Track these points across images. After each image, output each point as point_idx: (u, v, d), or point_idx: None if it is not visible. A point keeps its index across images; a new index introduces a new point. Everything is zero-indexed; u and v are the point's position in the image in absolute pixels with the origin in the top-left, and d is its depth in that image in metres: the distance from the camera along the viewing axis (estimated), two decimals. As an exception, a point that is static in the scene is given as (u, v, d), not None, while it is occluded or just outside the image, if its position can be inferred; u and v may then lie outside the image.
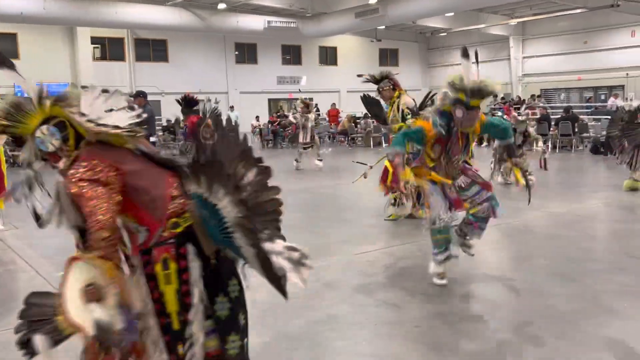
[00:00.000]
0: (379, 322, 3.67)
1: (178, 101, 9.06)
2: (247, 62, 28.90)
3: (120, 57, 25.85)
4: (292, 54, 29.95)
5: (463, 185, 4.25)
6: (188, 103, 8.86)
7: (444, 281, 4.33)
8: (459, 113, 3.93)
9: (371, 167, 6.61)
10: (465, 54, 4.14)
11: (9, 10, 18.01)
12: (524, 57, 29.87)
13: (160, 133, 19.85)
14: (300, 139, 12.24)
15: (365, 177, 6.54)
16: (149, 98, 10.45)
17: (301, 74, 29.71)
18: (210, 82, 27.38)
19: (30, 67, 22.27)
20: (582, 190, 9.01)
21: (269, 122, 22.62)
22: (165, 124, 22.26)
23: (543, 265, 4.87)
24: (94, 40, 24.54)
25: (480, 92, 3.86)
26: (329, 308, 3.92)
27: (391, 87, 6.60)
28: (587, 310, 3.78)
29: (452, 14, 25.18)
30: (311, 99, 13.75)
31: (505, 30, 29.09)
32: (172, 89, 25.98)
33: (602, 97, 25.67)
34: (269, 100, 29.23)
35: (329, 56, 30.47)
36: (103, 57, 25.45)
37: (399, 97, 6.51)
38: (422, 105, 6.03)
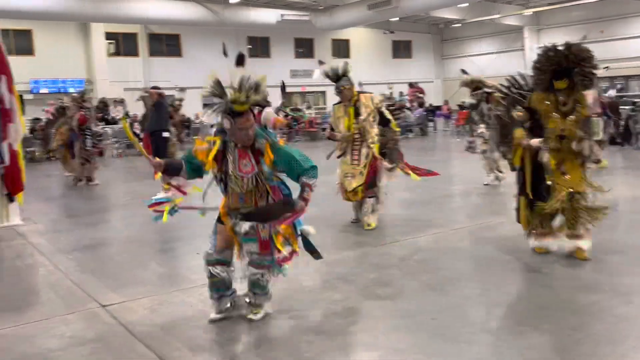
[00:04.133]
0: (396, 315, 3.67)
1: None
2: (260, 55, 28.89)
3: (134, 53, 25.96)
4: (305, 47, 29.88)
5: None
6: None
7: (217, 316, 3.63)
8: (226, 124, 3.35)
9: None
10: (224, 52, 3.93)
11: (24, 6, 18.16)
12: (539, 47, 29.46)
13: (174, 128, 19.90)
14: None
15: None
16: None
17: (314, 67, 29.56)
18: (223, 76, 27.36)
19: (45, 63, 22.64)
20: None
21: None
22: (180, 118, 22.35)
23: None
24: (108, 35, 24.66)
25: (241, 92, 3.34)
26: (346, 301, 3.93)
27: (352, 85, 5.89)
28: None
29: (466, 4, 24.95)
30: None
31: (520, 21, 28.78)
32: (186, 83, 26.07)
33: (619, 86, 25.31)
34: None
35: (341, 49, 30.32)
36: (117, 53, 25.55)
37: (357, 98, 5.88)
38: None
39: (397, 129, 6.23)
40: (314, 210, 6.53)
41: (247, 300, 3.65)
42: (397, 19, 27.05)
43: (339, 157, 6.10)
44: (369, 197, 5.96)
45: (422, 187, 7.77)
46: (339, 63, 6.03)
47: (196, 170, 3.53)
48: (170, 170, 3.52)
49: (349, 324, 3.56)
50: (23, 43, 22.04)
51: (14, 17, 17.76)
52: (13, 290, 4.56)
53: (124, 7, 20.88)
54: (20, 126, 7.05)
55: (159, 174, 3.54)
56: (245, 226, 3.45)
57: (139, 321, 3.66)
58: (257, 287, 3.57)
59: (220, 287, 3.58)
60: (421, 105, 21.83)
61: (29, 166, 7.25)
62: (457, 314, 3.63)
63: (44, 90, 22.86)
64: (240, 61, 3.78)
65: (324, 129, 14.22)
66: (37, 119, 17.29)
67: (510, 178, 7.85)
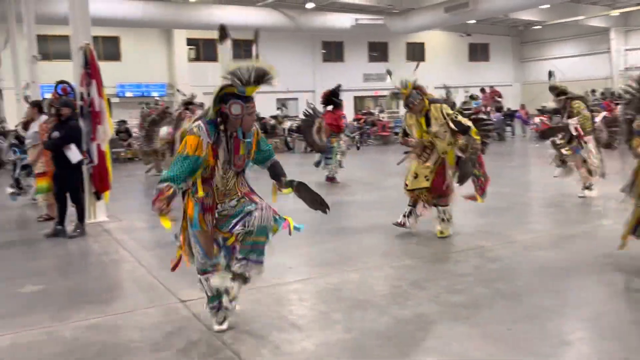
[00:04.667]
0: (469, 323, 3.59)
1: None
2: (334, 60, 29.09)
3: (213, 58, 26.74)
4: (378, 51, 29.81)
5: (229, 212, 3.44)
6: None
7: (223, 327, 3.54)
8: (236, 110, 3.30)
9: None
10: (223, 34, 3.80)
11: (112, 15, 19.18)
12: (627, 50, 28.00)
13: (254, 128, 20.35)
14: None
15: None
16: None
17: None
18: (298, 80, 27.81)
19: (130, 68, 23.80)
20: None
21: (354, 119, 22.66)
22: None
23: None
24: (190, 41, 25.62)
25: (258, 75, 3.30)
26: (417, 307, 3.89)
27: (421, 98, 5.69)
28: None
29: (547, 5, 24.03)
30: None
31: (606, 22, 27.40)
32: (262, 88, 26.61)
33: None
34: (355, 97, 29.25)
35: (416, 52, 29.99)
36: (197, 58, 26.48)
37: (428, 108, 5.68)
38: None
39: (477, 137, 5.72)
40: (383, 214, 6.54)
41: (237, 271, 3.43)
42: (474, 21, 26.47)
43: (405, 152, 6.09)
44: (442, 206, 5.84)
45: (499, 194, 7.57)
46: (408, 73, 5.90)
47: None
48: None
49: (419, 330, 3.52)
50: (111, 49, 23.31)
51: (103, 24, 18.76)
52: (100, 283, 4.83)
53: (205, 14, 21.64)
54: (108, 128, 7.46)
55: None
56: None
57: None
58: (255, 253, 3.42)
59: (220, 294, 3.49)
60: (499, 109, 21.24)
61: (113, 166, 7.65)
62: (534, 325, 3.51)
63: (129, 94, 24.04)
64: (222, 36, 3.86)
65: (396, 133, 14.11)
66: (122, 121, 18.18)
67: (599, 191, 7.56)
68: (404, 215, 6.00)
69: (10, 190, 8.46)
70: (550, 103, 8.38)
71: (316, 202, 3.66)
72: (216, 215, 3.42)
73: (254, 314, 3.83)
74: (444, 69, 27.19)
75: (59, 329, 3.69)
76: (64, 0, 8.42)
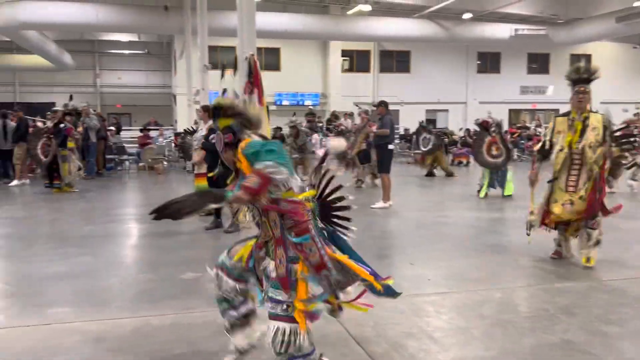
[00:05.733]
0: (622, 356, 3.31)
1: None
2: (489, 71, 28.19)
3: (365, 69, 27.37)
4: (538, 63, 28.33)
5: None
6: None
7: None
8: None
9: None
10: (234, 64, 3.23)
11: (275, 27, 20.40)
12: None
13: (398, 141, 20.43)
14: None
15: None
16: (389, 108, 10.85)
17: (548, 84, 27.91)
18: (449, 92, 27.41)
19: (288, 78, 25.13)
20: None
21: (506, 132, 21.70)
22: (402, 132, 22.93)
23: None
24: (344, 53, 26.42)
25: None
26: (564, 333, 3.66)
27: (590, 96, 5.10)
28: None
29: None
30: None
31: None
32: (412, 98, 26.68)
33: None
34: (510, 110, 28.07)
35: (581, 65, 28.08)
36: (350, 69, 27.21)
37: (588, 115, 5.14)
38: None
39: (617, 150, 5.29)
40: (533, 233, 6.21)
41: None
42: (651, 31, 24.13)
43: (549, 181, 5.39)
44: (590, 229, 5.23)
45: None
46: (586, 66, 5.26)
47: None
48: None
49: (566, 357, 3.31)
50: (272, 60, 24.82)
51: (267, 36, 20.05)
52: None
53: (361, 26, 22.20)
54: (265, 134, 7.96)
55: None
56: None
57: (353, 319, 3.87)
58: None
59: None
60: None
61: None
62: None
63: (285, 103, 25.36)
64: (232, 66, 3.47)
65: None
66: (278, 128, 19.19)
67: None
68: (559, 245, 5.55)
69: None
70: None
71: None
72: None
73: (392, 320, 3.87)
74: (613, 83, 25.08)
75: (213, 314, 4.03)
76: (233, 14, 9.16)
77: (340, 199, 2.87)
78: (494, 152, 10.23)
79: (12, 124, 12.53)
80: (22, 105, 18.44)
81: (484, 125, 10.86)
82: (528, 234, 5.48)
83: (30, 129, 12.67)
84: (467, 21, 22.98)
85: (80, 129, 12.85)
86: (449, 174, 14.10)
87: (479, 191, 10.29)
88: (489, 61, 28.29)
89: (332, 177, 2.82)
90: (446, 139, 17.57)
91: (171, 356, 3.31)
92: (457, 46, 26.64)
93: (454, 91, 27.61)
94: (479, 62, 28.27)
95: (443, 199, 10.75)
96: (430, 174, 14.11)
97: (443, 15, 22.88)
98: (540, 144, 5.50)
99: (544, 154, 5.40)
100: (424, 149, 14.15)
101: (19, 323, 3.87)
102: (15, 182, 12.15)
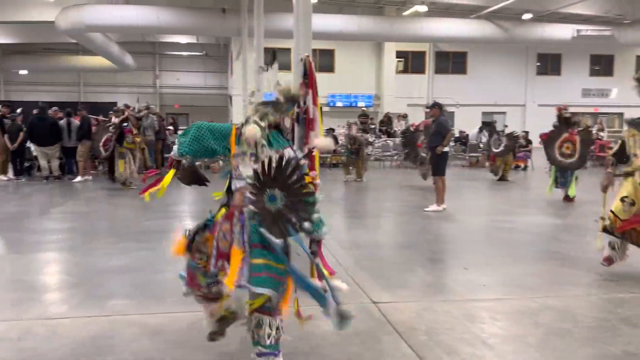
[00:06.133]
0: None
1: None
2: (550, 73, 27.39)
3: (420, 70, 27.10)
4: (602, 64, 27.32)
5: None
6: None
7: None
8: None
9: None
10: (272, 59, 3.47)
11: (330, 28, 20.45)
12: None
13: (453, 144, 20.07)
14: None
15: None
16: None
17: (611, 86, 26.86)
18: (507, 94, 26.81)
19: (341, 80, 25.18)
20: None
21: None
22: (457, 135, 22.51)
23: None
24: (399, 54, 26.23)
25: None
26: (627, 345, 3.51)
27: None
28: None
29: None
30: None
31: None
32: (467, 100, 26.24)
33: None
34: (571, 114, 27.17)
35: (649, 66, 26.90)
36: (405, 70, 27.00)
37: None
38: None
39: None
40: (571, 242, 5.98)
41: None
42: None
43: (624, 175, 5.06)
44: None
45: None
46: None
47: None
48: None
49: (629, 371, 3.18)
50: (326, 61, 24.91)
51: (322, 38, 20.12)
52: (301, 275, 5.21)
53: (417, 27, 21.96)
54: (319, 134, 7.99)
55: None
56: None
57: (405, 322, 3.85)
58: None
59: None
60: None
61: (319, 170, 8.22)
62: None
63: (338, 104, 25.42)
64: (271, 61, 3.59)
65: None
66: (330, 129, 19.25)
67: None
68: (612, 248, 5.14)
69: None
70: None
71: None
72: None
73: (446, 325, 3.81)
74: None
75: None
76: (289, 16, 9.25)
77: (303, 186, 2.80)
78: (565, 151, 9.73)
79: (76, 122, 13.06)
80: (86, 105, 19.25)
81: (566, 118, 10.09)
82: (598, 243, 5.22)
83: (93, 127, 13.18)
84: (527, 22, 22.39)
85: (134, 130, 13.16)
86: (504, 179, 13.74)
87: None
88: (549, 63, 27.49)
89: (297, 166, 2.78)
90: (522, 141, 16.98)
91: (226, 352, 3.37)
92: (516, 47, 25.99)
93: (512, 93, 26.97)
94: (538, 63, 27.50)
95: (500, 203, 10.50)
96: (502, 179, 13.54)
97: (502, 15, 22.37)
98: (615, 149, 5.24)
99: (619, 158, 5.14)
100: (495, 150, 13.80)
101: (81, 313, 4.02)
102: (78, 179, 12.65)
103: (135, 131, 11.62)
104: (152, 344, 3.47)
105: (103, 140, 11.51)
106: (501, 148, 13.64)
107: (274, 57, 3.74)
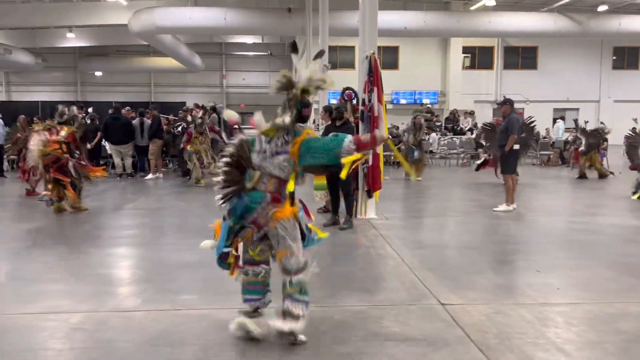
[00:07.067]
0: None
1: None
2: (627, 67, 26.06)
3: (488, 66, 26.40)
4: (685, 57, 25.76)
5: None
6: None
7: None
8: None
9: None
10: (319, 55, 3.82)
11: (395, 25, 20.22)
12: None
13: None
14: None
15: None
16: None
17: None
18: (580, 90, 25.74)
19: (406, 77, 24.88)
20: None
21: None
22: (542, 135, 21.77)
23: None
24: (465, 49, 25.65)
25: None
26: None
27: None
28: None
29: None
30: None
31: None
32: (538, 96, 25.35)
33: None
34: (650, 110, 25.74)
35: None
36: (472, 66, 26.38)
37: None
38: None
39: None
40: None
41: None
42: None
43: None
44: None
45: None
46: None
47: None
48: None
49: None
50: (390, 58, 24.68)
51: (387, 35, 19.92)
52: (366, 273, 5.18)
53: (484, 22, 21.37)
54: (383, 132, 7.92)
55: None
56: None
57: (475, 326, 3.74)
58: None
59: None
60: None
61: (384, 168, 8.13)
62: None
63: (402, 101, 25.15)
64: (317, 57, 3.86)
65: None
66: (394, 127, 19.10)
67: None
68: None
69: None
70: None
71: None
72: None
73: (518, 329, 3.68)
74: None
75: (331, 309, 4.08)
76: (353, 14, 9.21)
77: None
78: None
79: (148, 121, 13.53)
80: (157, 104, 19.92)
81: None
82: None
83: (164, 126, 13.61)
84: (603, 14, 21.34)
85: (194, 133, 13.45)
86: (603, 175, 13.16)
87: (634, 192, 9.49)
88: (626, 56, 26.14)
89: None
90: (608, 138, 16.27)
91: (291, 346, 3.39)
92: (590, 40, 24.85)
93: (585, 89, 25.84)
94: (614, 57, 26.20)
95: (576, 203, 10.05)
96: (582, 176, 13.14)
97: (575, 8, 21.44)
98: None
99: None
100: (583, 150, 13.32)
101: (153, 307, 4.15)
102: (150, 176, 13.11)
103: (194, 134, 11.81)
104: (224, 338, 3.53)
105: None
106: (583, 147, 13.14)
107: (320, 54, 3.99)
